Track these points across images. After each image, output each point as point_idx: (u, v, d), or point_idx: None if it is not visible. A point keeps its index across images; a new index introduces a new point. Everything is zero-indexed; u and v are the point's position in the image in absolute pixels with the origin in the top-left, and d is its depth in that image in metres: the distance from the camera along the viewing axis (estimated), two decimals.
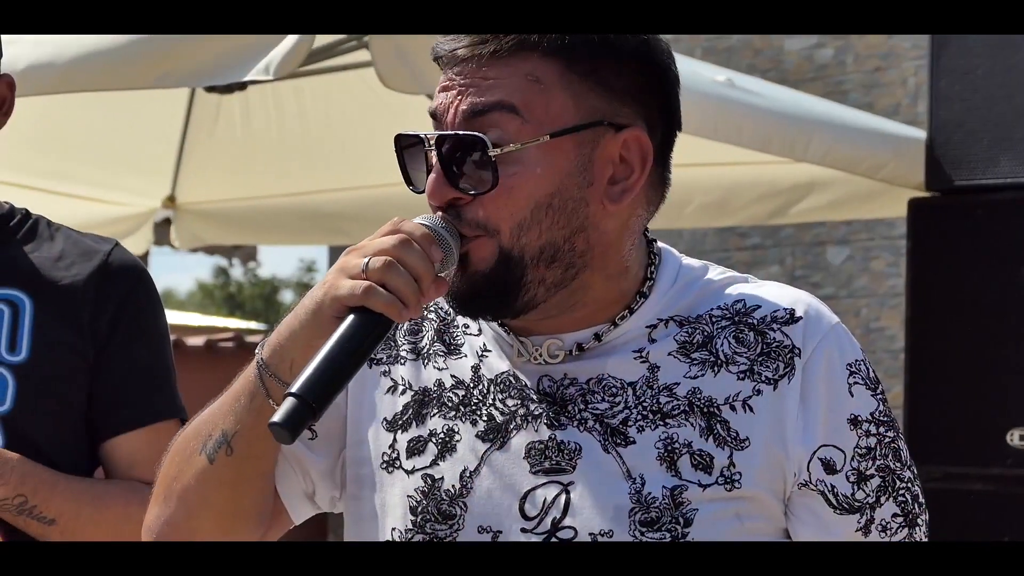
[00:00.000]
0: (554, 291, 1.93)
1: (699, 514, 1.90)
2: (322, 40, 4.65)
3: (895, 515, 1.96)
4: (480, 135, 1.88)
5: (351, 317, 1.85)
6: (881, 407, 1.97)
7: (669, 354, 1.96)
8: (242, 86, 5.30)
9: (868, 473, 1.94)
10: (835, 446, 1.93)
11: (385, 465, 2.02)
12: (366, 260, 1.85)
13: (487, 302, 1.93)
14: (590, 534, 1.91)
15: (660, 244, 2.04)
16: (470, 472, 1.96)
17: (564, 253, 1.92)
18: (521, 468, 1.95)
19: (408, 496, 1.99)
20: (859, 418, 1.94)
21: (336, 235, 6.83)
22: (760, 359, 1.94)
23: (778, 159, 5.42)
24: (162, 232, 6.82)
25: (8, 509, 2.63)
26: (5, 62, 2.78)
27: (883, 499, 1.95)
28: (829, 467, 1.93)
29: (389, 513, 2.00)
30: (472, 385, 2.00)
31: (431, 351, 2.04)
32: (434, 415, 2.01)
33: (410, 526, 1.98)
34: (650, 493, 1.90)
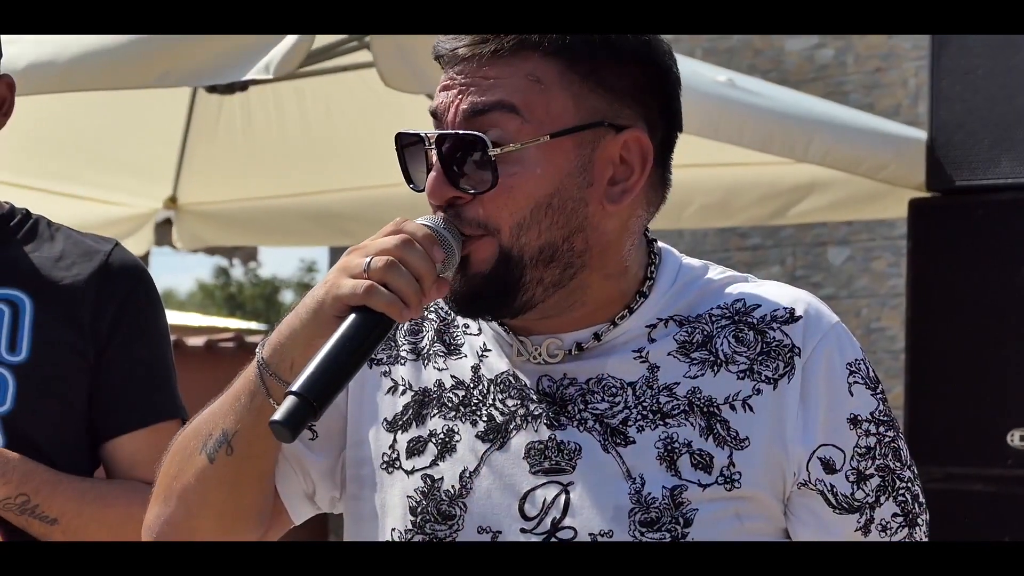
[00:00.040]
0: (552, 291, 1.93)
1: (699, 514, 1.90)
2: (322, 41, 4.65)
3: (895, 515, 1.96)
4: (480, 135, 1.88)
5: (352, 316, 1.85)
6: (881, 406, 1.96)
7: (669, 354, 1.96)
8: (243, 87, 5.31)
9: (868, 473, 1.94)
10: (835, 445, 1.93)
11: (385, 465, 2.02)
12: (368, 260, 1.85)
13: (486, 302, 1.93)
14: (590, 534, 1.91)
15: (660, 244, 2.04)
16: (470, 472, 1.96)
17: (563, 253, 1.92)
18: (521, 468, 1.95)
19: (408, 496, 1.98)
20: (859, 417, 1.94)
21: (338, 236, 6.83)
22: (760, 358, 1.94)
23: (779, 160, 5.42)
24: (163, 232, 6.81)
25: (10, 508, 2.63)
26: (5, 62, 2.78)
27: (883, 499, 1.95)
28: (828, 467, 1.93)
29: (389, 513, 2.00)
30: (472, 385, 2.00)
31: (431, 351, 2.04)
32: (434, 415, 2.01)
33: (410, 526, 1.98)
34: (650, 493, 1.90)
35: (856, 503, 1.94)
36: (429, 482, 1.98)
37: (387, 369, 2.05)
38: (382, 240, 1.87)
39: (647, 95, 1.94)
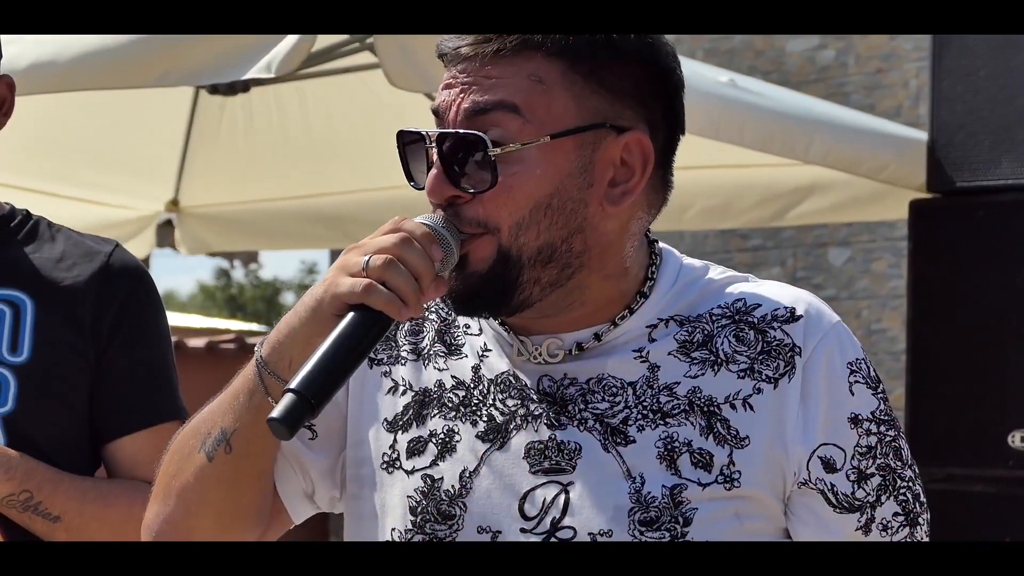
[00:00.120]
0: (549, 290, 1.93)
1: (698, 513, 1.90)
2: (323, 42, 4.65)
3: (896, 514, 1.95)
4: (481, 134, 1.88)
5: (351, 315, 1.85)
6: (882, 406, 1.96)
7: (669, 353, 1.96)
8: (245, 88, 5.30)
9: (869, 472, 1.94)
10: (835, 445, 1.93)
11: (385, 465, 2.02)
12: (366, 258, 1.85)
13: (484, 301, 1.93)
14: (589, 534, 1.90)
15: (661, 244, 2.04)
16: (470, 472, 1.96)
17: (561, 254, 1.92)
18: (521, 468, 1.95)
19: (408, 496, 1.98)
20: (860, 417, 1.94)
21: (339, 238, 6.82)
22: (760, 358, 1.94)
23: (780, 161, 5.42)
24: (164, 234, 6.81)
25: (13, 505, 2.63)
26: (6, 62, 2.79)
27: (884, 498, 1.95)
28: (829, 466, 1.93)
29: (389, 513, 2.00)
30: (472, 385, 2.00)
31: (432, 352, 2.04)
32: (434, 415, 2.01)
33: (410, 526, 1.97)
34: (650, 492, 1.90)
35: (857, 502, 1.94)
36: (429, 482, 1.98)
37: (387, 369, 2.05)
38: (381, 239, 1.87)
39: (649, 97, 1.94)
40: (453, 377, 2.01)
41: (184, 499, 2.01)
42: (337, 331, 1.84)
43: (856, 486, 1.93)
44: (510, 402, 1.97)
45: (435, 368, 2.03)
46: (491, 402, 1.98)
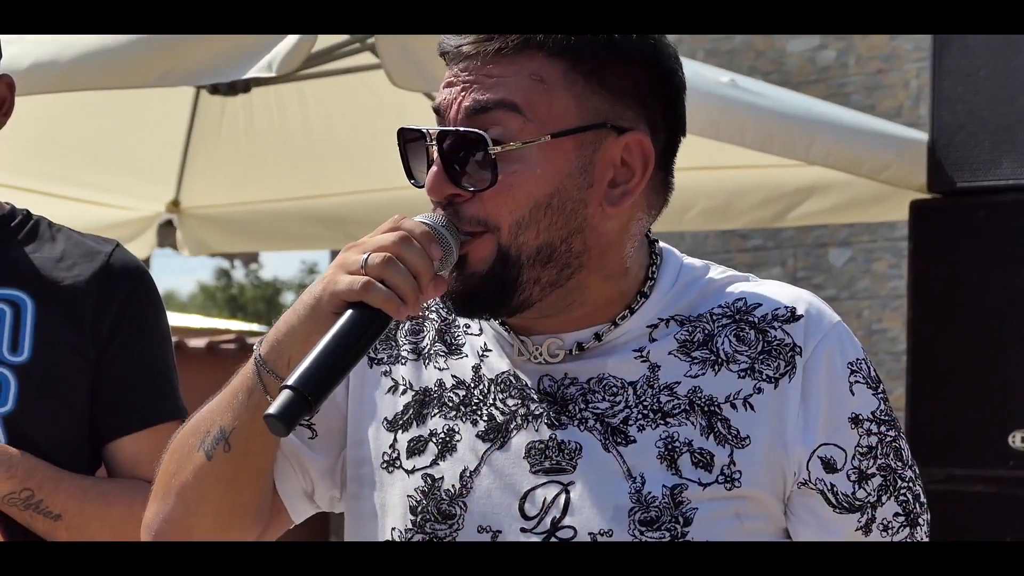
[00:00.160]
0: (549, 291, 1.93)
1: (699, 513, 1.90)
2: (324, 43, 4.65)
3: (896, 514, 1.95)
4: (481, 132, 1.88)
5: (349, 312, 1.84)
6: (882, 406, 1.96)
7: (670, 353, 1.96)
8: (246, 88, 5.30)
9: (869, 472, 1.94)
10: (836, 444, 1.93)
11: (385, 465, 2.02)
12: (365, 256, 1.85)
13: (483, 302, 1.93)
14: (589, 534, 1.90)
15: (662, 244, 2.04)
16: (470, 472, 1.96)
17: (560, 254, 1.91)
18: (521, 468, 1.94)
19: (408, 496, 1.98)
20: (860, 417, 1.94)
21: (340, 239, 6.82)
22: (761, 357, 1.94)
23: (781, 162, 5.42)
24: (165, 234, 6.81)
25: (15, 503, 2.63)
26: (6, 62, 2.79)
27: (884, 498, 1.95)
28: (829, 466, 1.93)
29: (389, 513, 2.00)
30: (473, 385, 2.00)
31: (432, 351, 2.04)
32: (435, 415, 2.00)
33: (410, 526, 1.97)
34: (650, 492, 1.90)
35: (857, 502, 1.94)
36: (429, 481, 1.98)
37: (388, 369, 2.05)
38: (380, 237, 1.87)
39: (650, 97, 1.94)
40: (453, 377, 2.01)
41: (183, 498, 2.01)
42: (335, 328, 1.83)
43: (857, 486, 1.93)
44: (510, 402, 1.97)
45: (435, 368, 2.03)
46: (491, 402, 1.98)
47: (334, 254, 10.56)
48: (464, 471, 1.96)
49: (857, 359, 1.96)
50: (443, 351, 2.03)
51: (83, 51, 3.80)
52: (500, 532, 1.93)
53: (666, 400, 1.93)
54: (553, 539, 1.91)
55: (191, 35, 3.71)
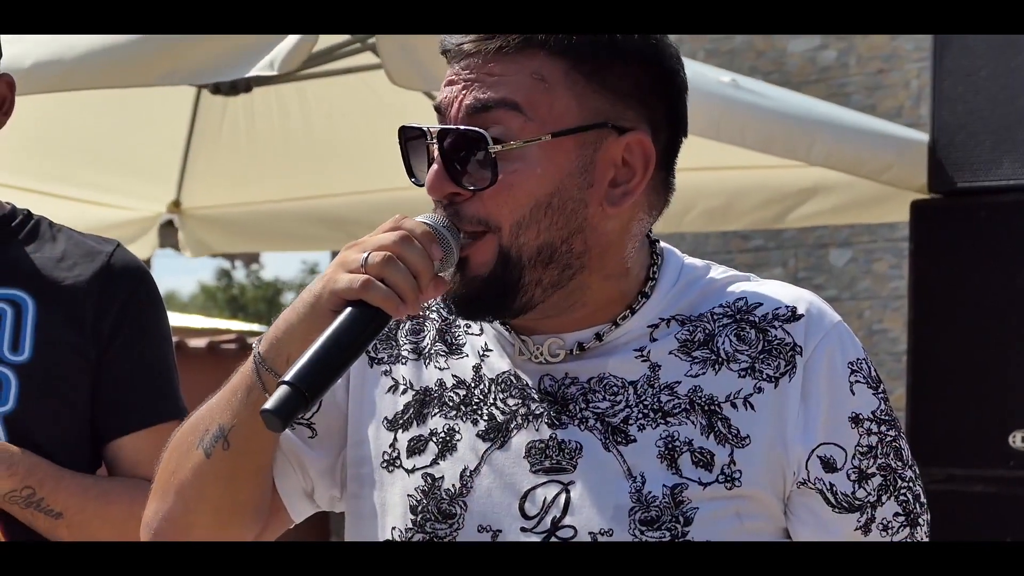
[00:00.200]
0: (551, 291, 1.93)
1: (699, 513, 1.90)
2: (325, 43, 4.65)
3: (896, 514, 1.95)
4: (481, 131, 1.88)
5: (348, 310, 1.84)
6: (883, 406, 1.96)
7: (670, 353, 1.96)
8: (247, 88, 5.31)
9: (869, 472, 1.94)
10: (835, 444, 1.93)
11: (385, 464, 2.02)
12: (365, 255, 1.85)
13: (486, 305, 1.93)
14: (590, 533, 1.90)
15: (662, 244, 2.04)
16: (470, 471, 1.96)
17: (561, 254, 1.91)
18: (521, 467, 1.94)
19: (408, 495, 1.98)
20: (860, 416, 1.94)
21: (341, 239, 6.81)
22: (761, 357, 1.94)
23: (781, 163, 5.42)
24: (166, 234, 6.81)
25: (16, 501, 2.63)
26: (7, 62, 2.79)
27: (884, 498, 1.94)
28: (828, 465, 1.93)
29: (389, 512, 2.00)
30: (473, 384, 2.00)
31: (432, 351, 2.04)
32: (435, 414, 2.00)
33: (410, 525, 1.97)
34: (650, 492, 1.90)
35: (857, 502, 1.93)
36: (430, 481, 1.98)
37: (388, 368, 2.05)
38: (380, 236, 1.87)
39: (652, 97, 1.94)
40: (454, 376, 2.01)
41: (182, 496, 2.01)
42: (334, 326, 1.83)
43: (856, 486, 1.93)
44: (511, 401, 1.97)
45: (436, 367, 2.03)
46: (492, 401, 1.98)
47: (335, 254, 10.55)
48: (464, 470, 1.96)
49: (858, 359, 1.96)
50: (444, 351, 2.03)
51: (84, 51, 3.80)
52: (500, 532, 1.93)
53: (666, 399, 1.93)
54: (553, 539, 1.91)
55: (192, 35, 3.71)
